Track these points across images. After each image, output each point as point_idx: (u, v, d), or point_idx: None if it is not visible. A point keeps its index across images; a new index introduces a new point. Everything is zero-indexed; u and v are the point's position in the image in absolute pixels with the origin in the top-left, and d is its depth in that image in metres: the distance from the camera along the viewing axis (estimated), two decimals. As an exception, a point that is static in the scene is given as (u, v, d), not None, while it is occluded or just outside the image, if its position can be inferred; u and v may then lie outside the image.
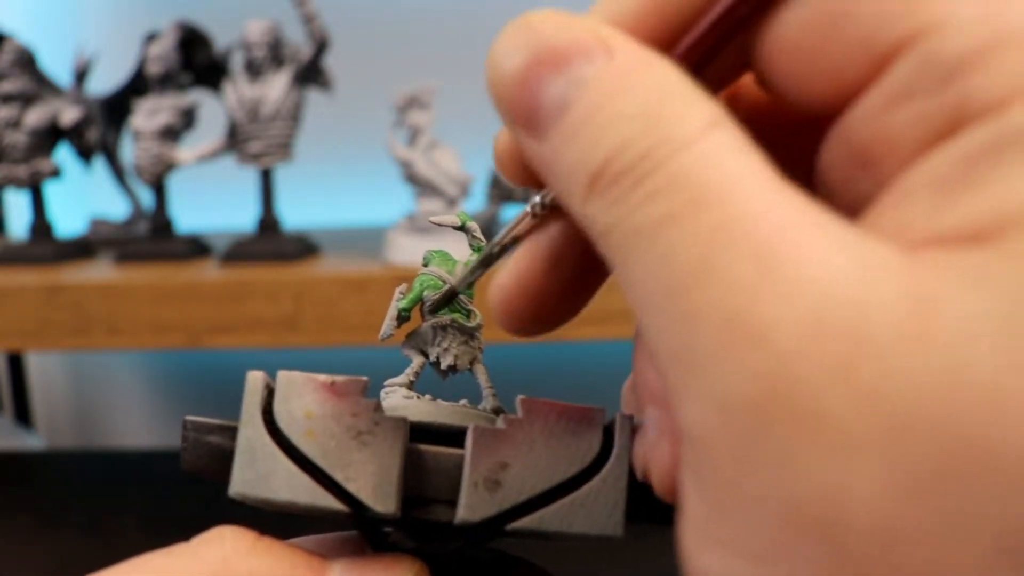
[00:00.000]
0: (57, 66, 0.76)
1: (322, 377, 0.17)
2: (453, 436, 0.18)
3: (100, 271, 0.65)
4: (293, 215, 0.79)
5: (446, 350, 0.22)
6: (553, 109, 0.13)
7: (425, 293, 0.22)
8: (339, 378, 0.18)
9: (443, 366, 0.22)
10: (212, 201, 0.92)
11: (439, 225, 0.23)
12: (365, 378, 0.18)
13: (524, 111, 0.14)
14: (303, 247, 0.66)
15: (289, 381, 0.18)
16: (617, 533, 0.17)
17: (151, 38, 0.71)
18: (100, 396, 1.02)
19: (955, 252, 0.11)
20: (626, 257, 0.13)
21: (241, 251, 0.65)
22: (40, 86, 0.71)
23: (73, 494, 0.77)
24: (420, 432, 0.18)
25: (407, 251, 0.61)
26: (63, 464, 0.87)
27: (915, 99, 0.12)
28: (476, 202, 0.74)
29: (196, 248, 0.69)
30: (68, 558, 0.62)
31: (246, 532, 0.18)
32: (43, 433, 1.01)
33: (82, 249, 0.72)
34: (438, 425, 0.19)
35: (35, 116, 0.69)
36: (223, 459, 0.18)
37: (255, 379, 0.18)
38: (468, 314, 0.22)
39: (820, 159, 0.14)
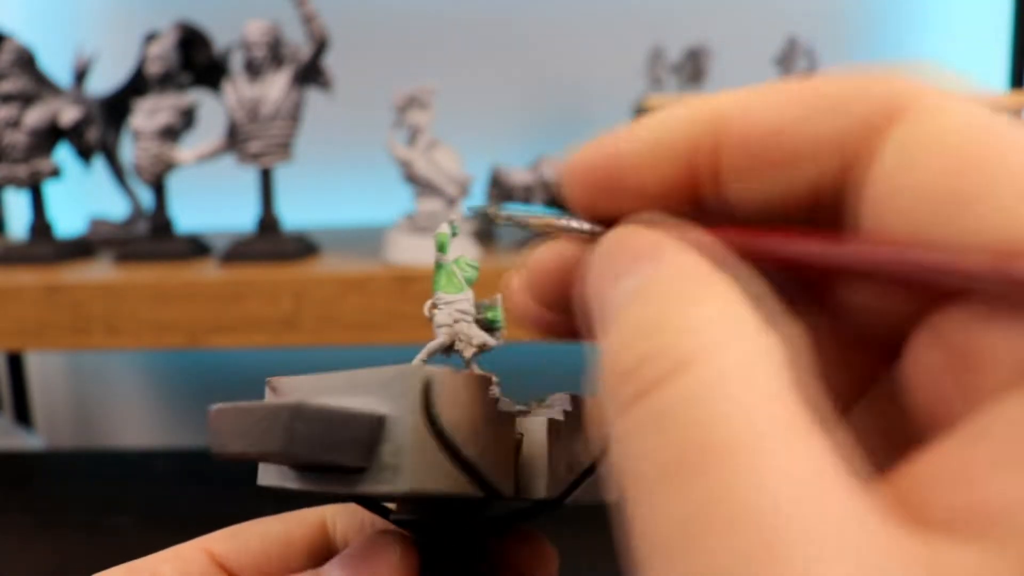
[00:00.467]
0: (57, 66, 0.76)
1: (465, 373, 0.19)
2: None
3: (100, 271, 0.65)
4: (293, 215, 0.79)
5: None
6: (604, 315, 0.14)
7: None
8: (480, 374, 0.20)
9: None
10: (212, 201, 0.92)
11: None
12: (494, 374, 0.20)
13: (595, 313, 0.14)
14: (303, 247, 0.66)
15: (444, 381, 0.18)
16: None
17: (151, 38, 0.71)
18: (100, 396, 1.02)
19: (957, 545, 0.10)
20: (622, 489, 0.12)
21: (241, 251, 0.65)
22: (40, 86, 0.71)
23: (73, 494, 0.77)
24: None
25: (407, 251, 0.61)
26: (63, 464, 0.87)
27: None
28: (476, 201, 0.74)
29: (196, 248, 0.69)
30: (68, 558, 0.62)
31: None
32: (43, 433, 1.01)
33: (82, 249, 0.72)
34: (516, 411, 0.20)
35: (35, 116, 0.69)
36: (262, 440, 0.18)
37: (414, 376, 0.19)
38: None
39: (909, 348, 0.13)
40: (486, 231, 0.74)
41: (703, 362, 0.11)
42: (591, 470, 0.20)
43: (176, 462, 0.83)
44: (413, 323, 0.58)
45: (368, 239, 0.73)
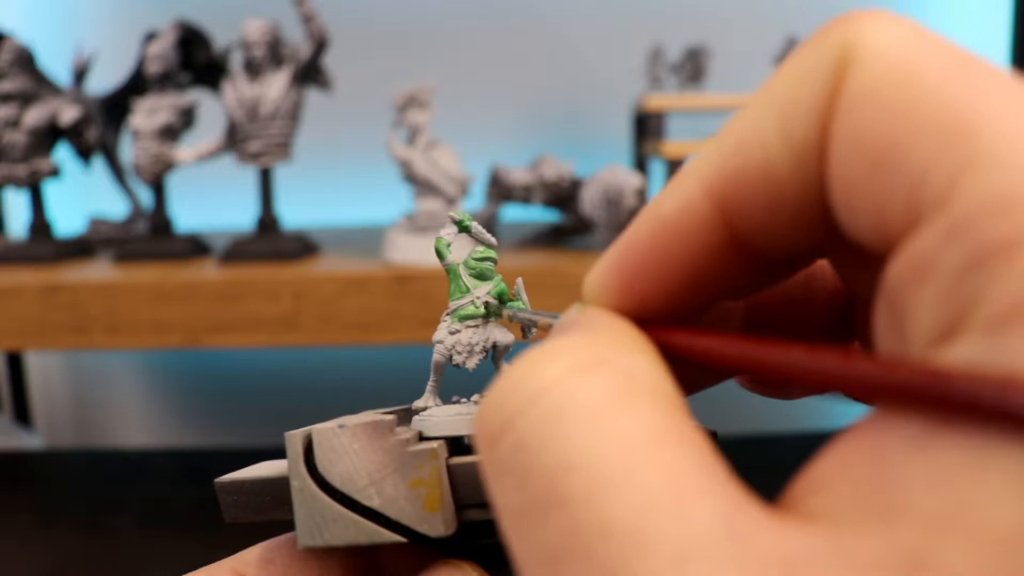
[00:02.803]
0: (56, 65, 0.76)
1: (351, 424, 0.19)
2: None
3: (99, 270, 0.65)
4: (292, 214, 0.79)
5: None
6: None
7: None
8: (364, 420, 0.19)
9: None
10: (211, 200, 0.92)
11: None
12: (391, 417, 0.19)
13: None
14: (302, 246, 0.66)
15: (326, 437, 0.19)
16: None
17: (150, 37, 0.71)
18: (99, 395, 1.02)
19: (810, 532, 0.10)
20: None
21: (240, 250, 0.65)
22: (39, 85, 0.71)
23: (73, 493, 0.77)
24: (457, 442, 0.20)
25: (406, 250, 0.61)
26: (63, 464, 0.87)
27: (935, 277, 0.10)
28: (475, 201, 0.74)
29: (195, 247, 0.69)
30: (68, 558, 0.62)
31: None
32: (43, 433, 1.01)
33: (81, 248, 0.72)
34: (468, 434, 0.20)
35: (34, 115, 0.69)
36: (262, 509, 0.20)
37: (294, 440, 0.19)
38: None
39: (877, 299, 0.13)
40: (486, 230, 0.74)
41: (545, 393, 0.12)
42: None
43: (176, 462, 0.83)
44: (413, 323, 0.58)
45: (368, 239, 0.73)
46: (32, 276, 0.62)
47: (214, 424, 1.00)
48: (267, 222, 0.67)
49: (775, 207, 0.13)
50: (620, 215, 0.61)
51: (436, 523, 0.18)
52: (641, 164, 0.84)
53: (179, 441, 1.00)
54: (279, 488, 0.19)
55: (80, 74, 0.77)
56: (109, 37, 0.88)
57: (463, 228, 0.22)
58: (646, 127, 0.76)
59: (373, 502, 0.18)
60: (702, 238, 0.14)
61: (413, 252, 0.60)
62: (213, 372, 1.00)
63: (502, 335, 0.21)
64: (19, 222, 0.93)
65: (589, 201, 0.64)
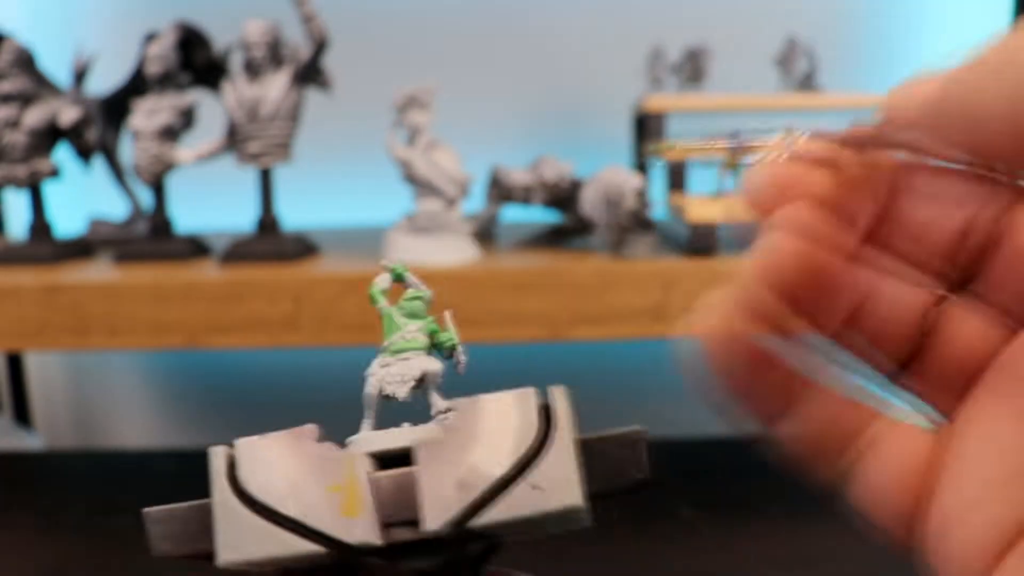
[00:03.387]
0: (56, 66, 0.76)
1: (274, 435, 0.19)
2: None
3: (99, 271, 0.65)
4: (292, 215, 0.79)
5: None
6: None
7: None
8: (290, 432, 0.19)
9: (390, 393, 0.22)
10: (211, 201, 0.92)
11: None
12: (312, 425, 0.19)
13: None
14: (302, 247, 0.66)
15: (249, 449, 0.19)
16: (576, 503, 0.18)
17: (150, 38, 0.71)
18: (99, 396, 1.02)
19: None
20: None
21: (240, 251, 0.65)
22: (39, 86, 0.71)
23: (73, 494, 0.77)
24: (390, 460, 0.19)
25: (407, 251, 0.61)
26: (63, 464, 0.87)
27: None
28: (475, 202, 0.74)
29: (195, 248, 0.69)
30: (68, 558, 0.62)
31: None
32: (43, 433, 1.01)
33: (81, 249, 0.72)
34: (399, 449, 0.19)
35: (34, 116, 0.69)
36: (192, 538, 0.19)
37: (217, 455, 0.19)
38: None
39: None
40: (486, 231, 0.74)
41: None
42: (502, 485, 0.18)
43: (176, 462, 0.83)
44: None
45: (368, 239, 0.73)
46: (32, 277, 0.62)
47: (214, 424, 1.00)
48: (267, 223, 0.67)
49: None
50: (620, 216, 0.61)
51: (355, 528, 0.17)
52: (641, 164, 0.84)
53: (179, 441, 1.00)
54: (208, 513, 0.19)
55: (80, 75, 0.77)
56: (109, 37, 0.88)
57: (397, 277, 0.23)
58: (646, 127, 0.76)
59: (290, 510, 0.18)
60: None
61: (413, 253, 0.60)
62: (213, 373, 1.00)
63: (429, 364, 0.21)
64: (19, 223, 0.93)
65: (589, 201, 0.64)
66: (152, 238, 0.69)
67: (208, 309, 0.59)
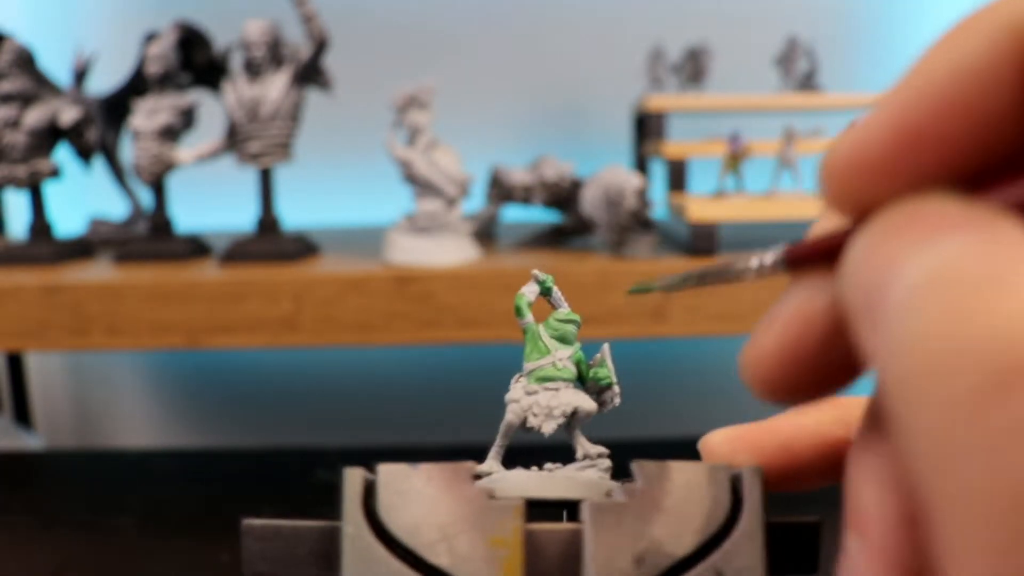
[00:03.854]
0: (56, 66, 0.76)
1: (427, 467, 0.16)
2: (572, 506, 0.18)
3: (99, 271, 0.65)
4: (293, 215, 0.79)
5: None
6: (898, 293, 0.11)
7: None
8: (447, 465, 0.17)
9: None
10: (212, 201, 0.92)
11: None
12: (470, 463, 0.17)
13: (864, 291, 0.12)
14: (303, 247, 0.66)
15: (394, 478, 0.16)
16: None
17: (150, 38, 0.71)
18: (100, 396, 1.02)
19: None
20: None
21: (241, 251, 0.65)
22: (39, 86, 0.71)
23: (73, 494, 0.77)
24: (537, 507, 0.17)
25: (407, 251, 0.61)
26: (63, 464, 0.87)
27: None
28: (476, 202, 0.74)
29: (195, 248, 0.69)
30: (68, 558, 0.62)
31: None
32: (43, 433, 1.01)
33: (81, 249, 0.72)
34: (555, 499, 0.18)
35: (34, 116, 0.69)
36: (298, 563, 0.17)
37: (353, 478, 0.17)
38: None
39: None
40: (486, 231, 0.74)
41: None
42: (684, 566, 0.16)
43: (176, 462, 0.83)
44: (412, 323, 0.58)
45: (368, 239, 0.73)
46: (32, 277, 0.62)
47: (214, 424, 1.00)
48: (267, 223, 0.67)
49: None
50: (620, 215, 0.61)
51: None
52: (641, 164, 0.84)
53: (179, 441, 1.00)
54: (325, 539, 0.17)
55: (80, 74, 0.77)
56: (109, 37, 0.88)
57: (545, 290, 0.21)
58: (646, 127, 0.76)
59: (441, 560, 0.16)
60: (1005, 96, 0.12)
61: (413, 253, 0.60)
62: (213, 372, 1.00)
63: (584, 401, 0.20)
64: (19, 223, 0.93)
65: (589, 201, 0.64)
66: (152, 238, 0.69)
67: (208, 309, 0.59)
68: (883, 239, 0.12)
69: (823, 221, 0.15)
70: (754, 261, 0.15)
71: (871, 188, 0.13)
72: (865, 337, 0.12)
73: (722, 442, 0.18)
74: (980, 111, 0.12)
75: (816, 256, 0.14)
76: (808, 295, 0.14)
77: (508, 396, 0.20)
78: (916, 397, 0.10)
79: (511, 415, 0.19)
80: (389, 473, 0.16)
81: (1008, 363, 0.09)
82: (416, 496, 0.16)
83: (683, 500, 0.16)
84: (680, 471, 0.17)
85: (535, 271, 0.21)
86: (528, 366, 0.20)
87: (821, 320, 0.14)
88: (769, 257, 0.15)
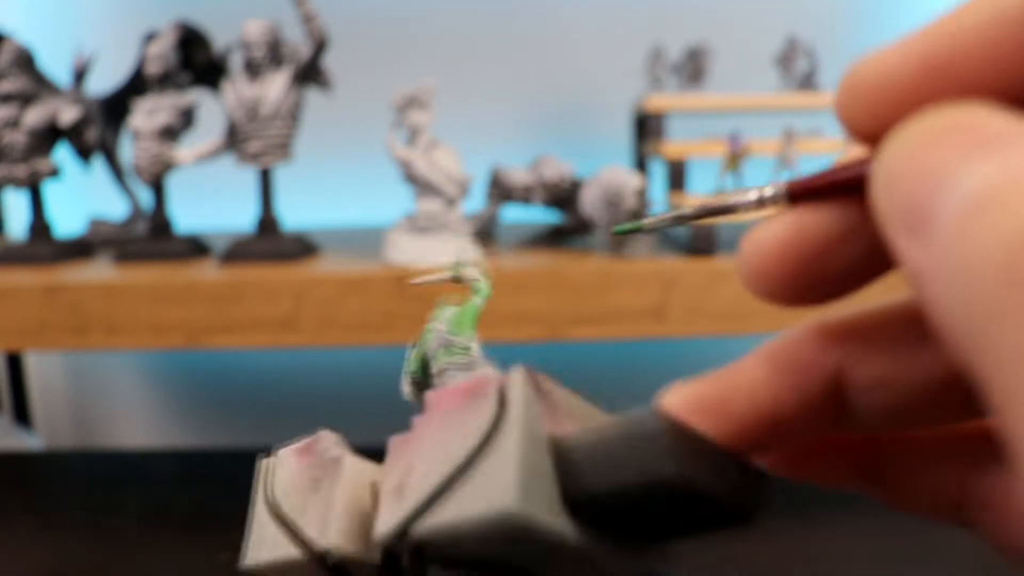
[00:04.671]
0: (56, 66, 0.76)
1: (295, 443, 0.19)
2: None
3: (99, 271, 0.65)
4: (293, 215, 0.79)
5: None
6: (958, 200, 0.10)
7: (428, 348, 0.22)
8: (307, 440, 0.19)
9: None
10: (211, 201, 0.92)
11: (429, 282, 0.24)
12: (324, 432, 0.19)
13: (909, 201, 0.11)
14: (302, 247, 0.66)
15: (278, 458, 0.19)
16: (509, 508, 0.13)
17: (150, 38, 0.71)
18: (99, 396, 1.02)
19: None
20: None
21: (240, 251, 0.65)
22: (39, 86, 0.71)
23: (73, 494, 0.77)
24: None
25: (407, 251, 0.61)
26: (63, 464, 0.87)
27: None
28: (476, 202, 0.74)
29: (195, 248, 0.69)
30: (68, 558, 0.62)
31: None
32: (43, 433, 1.01)
33: (81, 249, 0.72)
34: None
35: (34, 116, 0.69)
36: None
37: (264, 464, 0.20)
38: (466, 350, 0.21)
39: None
40: (486, 231, 0.74)
41: None
42: (446, 487, 0.15)
43: (176, 462, 0.83)
44: (413, 323, 0.57)
45: (368, 239, 0.73)
46: (32, 276, 0.62)
47: (214, 424, 1.00)
48: (267, 223, 0.67)
49: None
50: (620, 216, 0.61)
51: (327, 536, 0.17)
52: (641, 164, 0.84)
53: (179, 441, 1.00)
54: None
55: (80, 74, 0.77)
56: (109, 37, 0.88)
57: (457, 277, 0.23)
58: (646, 127, 0.76)
59: (292, 513, 0.18)
60: None
61: (413, 253, 0.60)
62: (213, 372, 1.00)
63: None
64: (19, 222, 0.93)
65: (589, 201, 0.64)
66: (152, 238, 0.69)
67: (208, 309, 0.59)
68: (926, 146, 0.11)
69: (779, 217, 0.14)
70: (753, 193, 0.15)
71: (896, 112, 0.12)
72: (907, 248, 0.11)
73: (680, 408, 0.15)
74: (1017, 52, 0.11)
75: (821, 190, 0.14)
76: (812, 219, 0.14)
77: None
78: (988, 315, 0.10)
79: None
80: (279, 454, 0.19)
81: None
82: (285, 467, 0.19)
83: (449, 425, 0.16)
84: (452, 394, 0.16)
85: (465, 255, 0.22)
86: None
87: (826, 236, 0.14)
88: (769, 190, 0.15)
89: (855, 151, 0.14)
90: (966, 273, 0.10)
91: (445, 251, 0.60)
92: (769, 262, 0.14)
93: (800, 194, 0.14)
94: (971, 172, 0.10)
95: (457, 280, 0.22)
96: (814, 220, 0.14)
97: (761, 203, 0.15)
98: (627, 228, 0.17)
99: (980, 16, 0.11)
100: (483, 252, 0.64)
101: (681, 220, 0.16)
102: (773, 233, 0.14)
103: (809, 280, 0.14)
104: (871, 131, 0.12)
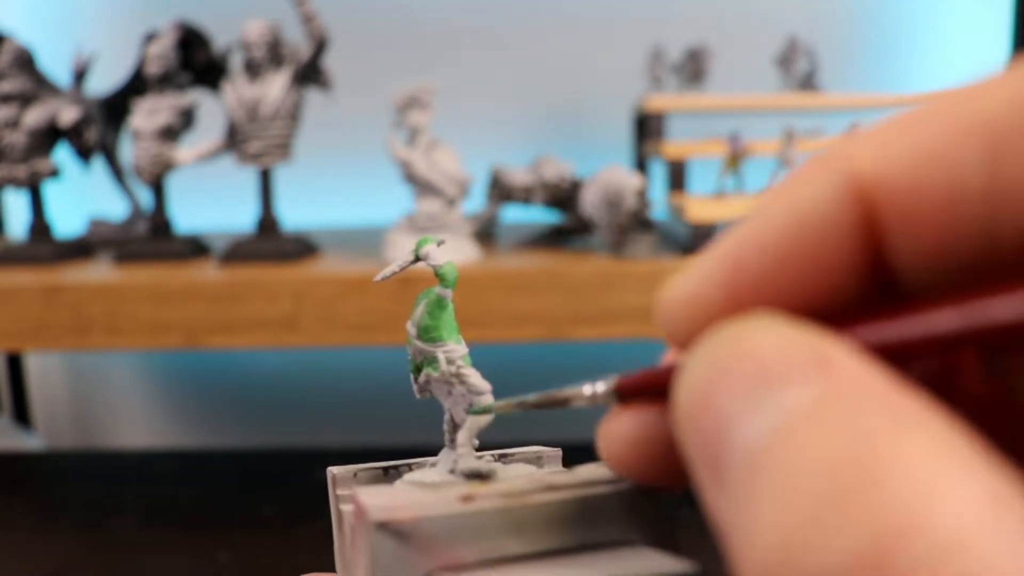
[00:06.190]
0: (56, 66, 0.76)
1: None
2: None
3: (99, 271, 0.65)
4: (293, 215, 0.79)
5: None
6: (741, 452, 0.10)
7: (409, 355, 0.19)
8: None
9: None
10: (211, 201, 0.92)
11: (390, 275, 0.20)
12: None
13: (702, 448, 0.11)
14: (302, 247, 0.66)
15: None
16: None
17: (150, 38, 0.71)
18: (99, 396, 1.02)
19: None
20: None
21: (240, 251, 0.65)
22: (39, 86, 0.71)
23: (73, 494, 0.77)
24: None
25: (407, 251, 0.61)
26: (63, 464, 0.87)
27: None
28: (476, 202, 0.74)
29: (195, 248, 0.69)
30: (68, 558, 0.62)
31: None
32: (43, 433, 1.01)
33: (81, 249, 0.72)
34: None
35: (34, 116, 0.69)
36: None
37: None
38: (434, 363, 0.19)
39: None
40: (486, 231, 0.74)
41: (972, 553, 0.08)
42: None
43: (176, 462, 0.83)
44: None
45: (368, 239, 0.73)
46: (32, 277, 0.62)
47: (214, 424, 1.00)
48: (267, 223, 0.67)
49: (956, 222, 0.11)
50: (620, 216, 0.61)
51: None
52: (641, 164, 0.84)
53: (179, 441, 1.00)
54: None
55: (80, 74, 0.77)
56: (109, 37, 0.88)
57: (419, 258, 0.20)
58: (646, 127, 0.76)
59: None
60: (843, 245, 0.11)
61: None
62: (213, 372, 1.00)
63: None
64: (19, 223, 0.93)
65: (589, 202, 0.64)
66: (152, 238, 0.69)
67: (208, 309, 0.59)
68: (712, 384, 0.11)
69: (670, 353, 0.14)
70: (586, 389, 0.15)
71: (705, 325, 0.12)
72: (706, 492, 0.11)
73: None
74: (817, 261, 0.11)
75: (646, 391, 0.14)
76: (642, 419, 0.14)
77: (483, 385, 0.18)
78: None
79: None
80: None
81: None
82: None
83: None
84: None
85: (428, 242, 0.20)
86: (460, 348, 0.18)
87: (658, 439, 0.14)
88: (601, 386, 0.15)
89: (675, 354, 0.14)
90: (745, 550, 0.10)
91: (445, 251, 0.60)
92: (623, 458, 0.14)
93: (628, 393, 0.14)
94: (748, 426, 0.10)
95: (432, 265, 0.19)
96: (646, 418, 0.14)
97: (594, 398, 0.15)
98: (478, 410, 0.18)
99: (774, 223, 0.12)
100: (482, 252, 0.64)
101: (523, 407, 0.17)
102: (614, 432, 0.14)
103: (665, 470, 0.14)
104: (690, 342, 0.12)
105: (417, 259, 0.19)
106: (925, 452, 0.09)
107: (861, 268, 0.12)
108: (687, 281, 0.12)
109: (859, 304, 0.12)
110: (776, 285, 0.12)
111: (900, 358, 0.11)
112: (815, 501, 0.09)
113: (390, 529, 0.14)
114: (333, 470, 0.19)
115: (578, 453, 0.19)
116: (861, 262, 0.12)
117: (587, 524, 0.16)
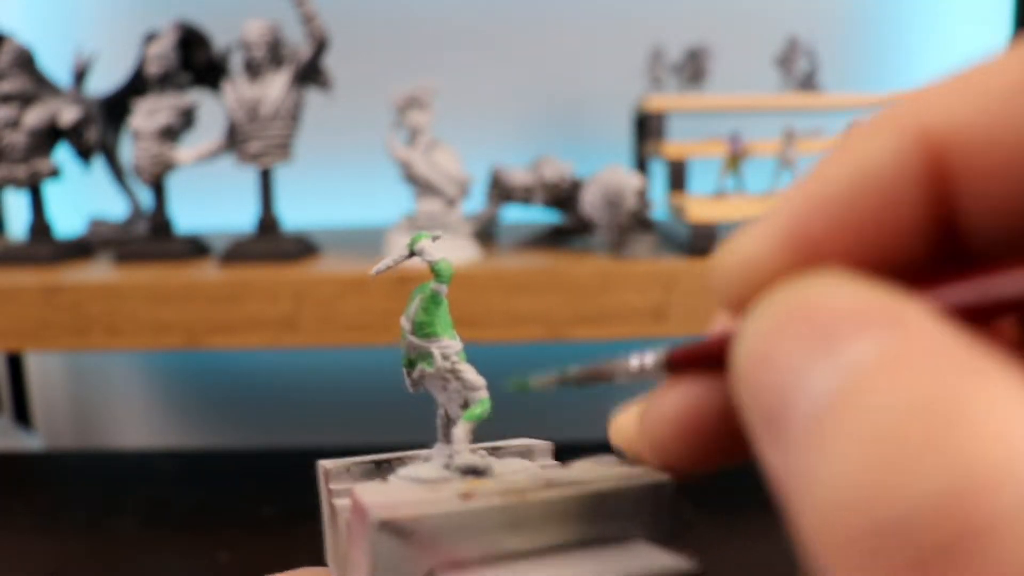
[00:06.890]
0: (56, 66, 0.76)
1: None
2: None
3: (99, 271, 0.65)
4: (293, 215, 0.79)
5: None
6: (808, 404, 0.09)
7: (402, 351, 0.19)
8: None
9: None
10: (211, 201, 0.92)
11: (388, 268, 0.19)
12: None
13: (764, 405, 0.10)
14: (302, 247, 0.66)
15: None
16: None
17: (150, 38, 0.71)
18: (99, 396, 1.02)
19: None
20: None
21: (240, 251, 0.65)
22: (39, 86, 0.71)
23: (73, 494, 0.77)
24: None
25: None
26: (62, 464, 0.87)
27: None
28: (475, 202, 0.74)
29: (195, 248, 0.69)
30: (68, 558, 0.62)
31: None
32: (43, 433, 1.01)
33: (81, 249, 0.72)
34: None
35: (34, 116, 0.69)
36: None
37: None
38: (429, 359, 0.18)
39: None
40: (486, 231, 0.74)
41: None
42: None
43: (176, 462, 0.83)
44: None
45: (368, 239, 0.73)
46: (32, 277, 0.62)
47: (214, 424, 1.00)
48: (267, 223, 0.67)
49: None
50: (620, 216, 0.61)
51: None
52: (641, 164, 0.84)
53: (179, 441, 1.00)
54: None
55: (80, 75, 0.77)
56: (109, 37, 0.88)
57: (413, 253, 0.20)
58: (646, 127, 0.76)
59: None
60: (910, 204, 0.11)
61: (413, 252, 0.60)
62: (213, 372, 1.00)
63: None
64: (19, 223, 0.93)
65: (589, 202, 0.64)
66: (152, 238, 0.69)
67: (208, 309, 0.59)
68: (776, 339, 0.10)
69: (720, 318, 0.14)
70: (634, 360, 0.15)
71: (763, 288, 0.11)
72: (767, 452, 0.10)
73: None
74: (883, 220, 0.11)
75: (698, 361, 0.14)
76: (693, 393, 0.13)
77: (479, 381, 0.18)
78: (831, 554, 0.09)
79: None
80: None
81: (950, 532, 0.08)
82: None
83: None
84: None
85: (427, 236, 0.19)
86: (455, 344, 0.18)
87: (709, 414, 0.13)
88: (650, 358, 0.15)
89: (728, 320, 0.14)
90: (812, 506, 0.09)
91: (445, 252, 0.60)
92: (667, 438, 0.14)
93: (679, 364, 0.14)
94: (815, 380, 0.09)
95: (427, 261, 0.19)
96: (698, 391, 0.13)
97: (641, 372, 0.15)
98: (515, 386, 0.17)
99: (836, 183, 0.11)
100: (482, 252, 0.64)
101: (565, 382, 0.17)
102: (662, 409, 0.14)
103: (710, 449, 0.13)
104: (748, 307, 0.12)
105: (412, 254, 0.19)
106: (1009, 401, 0.08)
107: (928, 228, 0.11)
108: (746, 242, 0.12)
109: (926, 265, 0.11)
110: (840, 245, 0.11)
111: (977, 321, 0.10)
112: (891, 447, 0.08)
113: (391, 528, 0.14)
114: (324, 464, 0.19)
115: (567, 453, 0.19)
116: (928, 222, 0.11)
117: (587, 520, 0.16)
